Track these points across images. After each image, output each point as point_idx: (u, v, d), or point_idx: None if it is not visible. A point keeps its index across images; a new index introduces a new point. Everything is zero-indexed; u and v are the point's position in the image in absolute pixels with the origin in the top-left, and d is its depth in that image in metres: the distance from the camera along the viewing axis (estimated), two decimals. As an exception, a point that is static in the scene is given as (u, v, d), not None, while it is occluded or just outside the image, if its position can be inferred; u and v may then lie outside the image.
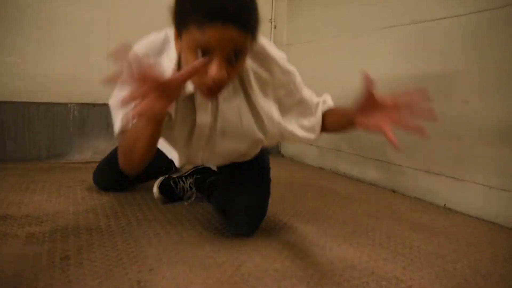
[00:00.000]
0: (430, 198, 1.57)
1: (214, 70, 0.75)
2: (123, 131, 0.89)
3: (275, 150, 2.55)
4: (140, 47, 0.92)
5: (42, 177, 1.66)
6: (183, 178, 1.37)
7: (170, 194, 1.35)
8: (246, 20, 0.75)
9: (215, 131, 1.01)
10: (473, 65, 1.39)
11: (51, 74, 1.97)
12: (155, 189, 1.34)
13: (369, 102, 0.81)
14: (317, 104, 1.06)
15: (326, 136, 2.13)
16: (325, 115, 1.06)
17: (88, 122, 2.05)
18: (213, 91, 0.80)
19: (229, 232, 1.10)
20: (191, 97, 0.95)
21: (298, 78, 1.03)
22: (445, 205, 1.51)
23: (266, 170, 1.20)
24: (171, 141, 1.07)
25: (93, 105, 2.04)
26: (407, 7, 1.64)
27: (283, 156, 2.55)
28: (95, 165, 1.52)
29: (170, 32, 0.91)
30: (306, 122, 1.05)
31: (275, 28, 2.46)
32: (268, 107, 0.99)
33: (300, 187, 1.72)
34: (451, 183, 1.49)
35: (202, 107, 0.96)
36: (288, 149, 2.52)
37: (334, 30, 2.09)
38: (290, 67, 1.00)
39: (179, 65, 0.89)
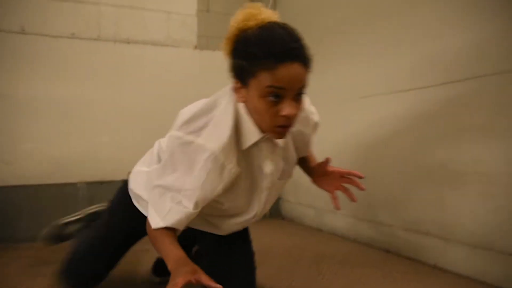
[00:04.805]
0: (421, 258, 1.64)
1: (288, 108, 0.85)
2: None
3: (276, 213, 2.64)
4: (189, 109, 0.99)
5: (54, 257, 1.76)
6: None
7: (164, 271, 1.41)
8: (307, 57, 0.88)
9: (276, 176, 1.07)
10: (447, 130, 1.52)
11: (62, 156, 2.14)
12: (152, 276, 1.44)
13: (324, 170, 1.14)
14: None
15: (322, 197, 2.23)
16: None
17: (96, 200, 2.18)
18: (285, 128, 0.90)
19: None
20: (254, 148, 0.99)
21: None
22: (435, 264, 1.57)
23: (249, 244, 1.24)
24: (232, 200, 1.05)
25: (101, 182, 2.18)
26: (381, 80, 1.81)
27: (283, 218, 2.63)
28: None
29: (221, 95, 0.99)
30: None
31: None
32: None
33: (298, 253, 1.79)
34: (439, 243, 1.57)
35: (268, 156, 1.02)
36: (288, 211, 2.61)
37: (317, 96, 2.25)
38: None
39: (237, 118, 0.94)
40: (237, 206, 1.06)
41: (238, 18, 0.90)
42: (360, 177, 1.08)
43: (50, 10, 2.13)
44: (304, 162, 1.23)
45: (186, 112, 0.99)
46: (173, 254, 0.89)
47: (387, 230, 1.81)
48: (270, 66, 0.82)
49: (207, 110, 0.95)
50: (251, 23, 0.88)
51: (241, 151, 0.96)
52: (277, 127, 0.89)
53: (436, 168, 1.56)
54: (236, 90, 0.93)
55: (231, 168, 0.93)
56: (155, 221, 0.94)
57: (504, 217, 1.34)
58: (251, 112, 0.92)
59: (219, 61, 2.97)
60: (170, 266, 0.86)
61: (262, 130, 0.94)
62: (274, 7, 2.68)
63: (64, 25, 2.16)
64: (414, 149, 1.67)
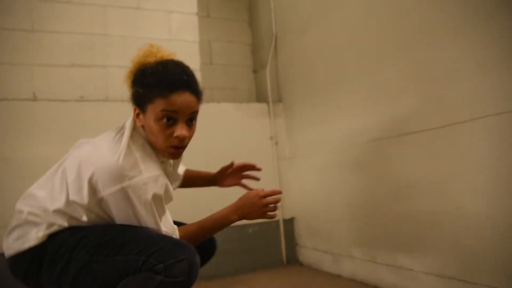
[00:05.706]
0: (447, 304, 1.55)
1: (179, 129, 1.00)
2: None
3: (293, 259, 2.57)
4: (106, 163, 1.00)
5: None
6: None
7: None
8: (197, 88, 1.05)
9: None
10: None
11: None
12: None
13: (226, 171, 1.42)
14: None
15: (339, 241, 2.17)
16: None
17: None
18: (178, 149, 1.04)
19: None
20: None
21: None
22: (463, 310, 1.49)
23: None
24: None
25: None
26: (387, 123, 1.81)
27: (301, 264, 2.55)
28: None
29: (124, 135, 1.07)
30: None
31: (276, 144, 2.64)
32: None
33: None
34: (462, 286, 1.49)
35: (165, 171, 1.18)
36: (305, 257, 2.53)
37: (327, 144, 2.25)
38: None
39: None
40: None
41: (139, 54, 1.07)
42: (256, 167, 1.41)
43: (60, 76, 2.23)
44: (194, 180, 1.44)
45: (107, 166, 0.99)
46: (221, 216, 1.11)
47: (408, 275, 1.73)
48: (164, 93, 0.98)
49: (127, 154, 1.00)
50: (150, 59, 1.05)
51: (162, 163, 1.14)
52: (170, 148, 1.03)
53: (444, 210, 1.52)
54: (136, 116, 1.07)
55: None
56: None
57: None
58: (148, 135, 1.05)
59: (225, 113, 2.99)
60: (237, 216, 1.10)
61: (158, 151, 1.07)
62: (275, 54, 2.75)
63: (73, 88, 2.24)
64: (434, 190, 1.63)
